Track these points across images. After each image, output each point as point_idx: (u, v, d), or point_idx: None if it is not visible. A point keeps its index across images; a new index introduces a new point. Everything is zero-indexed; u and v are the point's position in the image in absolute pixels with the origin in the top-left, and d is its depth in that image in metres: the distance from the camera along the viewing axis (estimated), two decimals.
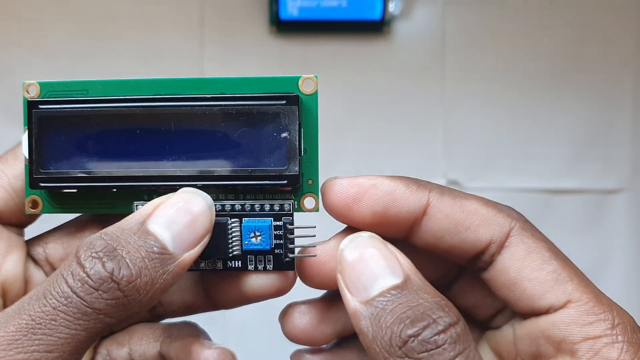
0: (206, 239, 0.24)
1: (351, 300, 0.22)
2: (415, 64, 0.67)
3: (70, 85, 0.25)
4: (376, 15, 0.66)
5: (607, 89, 0.66)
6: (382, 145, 0.68)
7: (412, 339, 0.21)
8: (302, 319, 0.27)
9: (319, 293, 0.28)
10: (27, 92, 0.25)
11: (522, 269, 0.24)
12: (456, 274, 0.28)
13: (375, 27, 0.67)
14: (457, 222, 0.24)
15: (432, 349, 0.21)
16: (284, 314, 0.28)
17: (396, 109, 0.67)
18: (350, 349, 0.29)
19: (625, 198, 0.66)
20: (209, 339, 0.28)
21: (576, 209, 0.66)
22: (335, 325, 0.28)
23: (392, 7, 0.66)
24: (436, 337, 0.21)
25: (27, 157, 0.25)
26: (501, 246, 0.24)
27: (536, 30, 0.66)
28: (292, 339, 0.28)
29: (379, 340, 0.21)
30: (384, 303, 0.22)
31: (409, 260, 0.23)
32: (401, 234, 0.25)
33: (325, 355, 0.29)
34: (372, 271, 0.22)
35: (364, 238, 0.24)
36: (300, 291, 0.27)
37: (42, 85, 0.26)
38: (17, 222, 0.27)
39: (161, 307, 0.29)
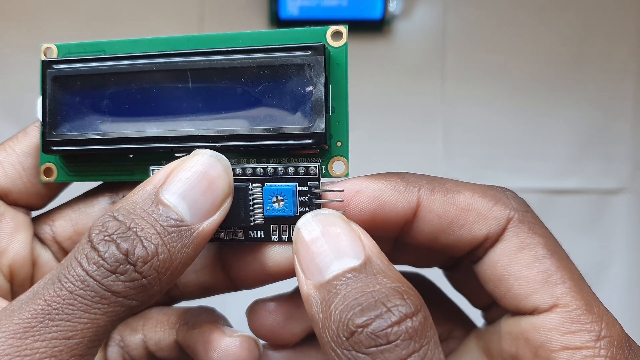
0: (226, 205, 0.22)
1: (305, 284, 0.20)
2: (416, 63, 0.66)
3: (87, 46, 0.24)
4: (376, 14, 0.66)
5: (608, 88, 0.65)
6: (382, 144, 0.67)
7: (360, 329, 0.18)
8: (269, 318, 0.26)
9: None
10: (45, 55, 0.24)
11: (510, 266, 0.22)
12: (457, 260, 0.26)
13: (376, 27, 0.67)
14: (451, 220, 0.23)
15: (381, 345, 0.18)
16: (250, 311, 0.26)
17: (396, 109, 0.67)
18: (315, 347, 0.28)
19: (626, 198, 0.66)
20: (229, 325, 0.26)
21: (577, 209, 0.66)
22: (304, 324, 0.26)
23: (392, 7, 0.65)
24: (388, 330, 0.18)
25: (42, 120, 0.24)
26: (496, 240, 0.23)
27: (537, 31, 0.66)
28: (259, 336, 0.26)
29: (327, 329, 0.19)
30: (337, 287, 0.19)
31: (373, 242, 0.21)
32: (392, 235, 0.24)
33: (288, 352, 0.27)
34: (329, 252, 0.20)
35: (324, 216, 0.22)
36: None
37: (60, 47, 0.25)
38: (25, 203, 0.25)
39: (177, 289, 0.27)
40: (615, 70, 0.65)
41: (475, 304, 0.27)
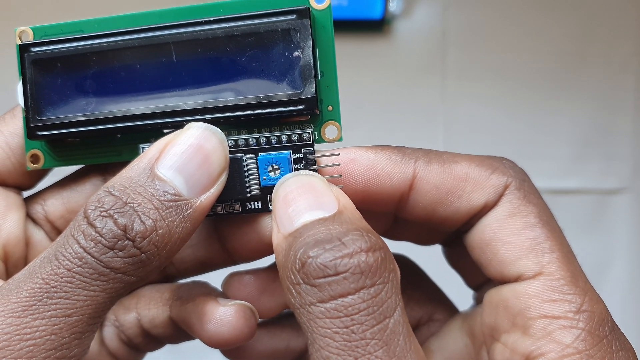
0: (223, 178, 0.22)
1: (276, 235, 0.20)
2: (416, 63, 0.66)
3: (64, 27, 0.24)
4: (377, 14, 0.65)
5: (608, 88, 0.65)
6: (382, 143, 0.66)
7: (310, 260, 0.18)
8: (244, 291, 0.25)
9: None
10: (20, 39, 0.24)
11: (499, 230, 0.22)
12: (456, 236, 0.26)
13: (376, 26, 0.66)
14: (448, 191, 0.22)
15: (329, 275, 0.17)
16: (226, 284, 0.26)
17: (397, 108, 0.66)
18: (281, 327, 0.27)
19: (627, 198, 0.65)
20: (222, 296, 0.25)
21: (577, 209, 0.65)
22: (279, 298, 0.26)
23: (392, 6, 0.65)
24: (337, 261, 0.18)
25: (23, 106, 0.23)
26: (492, 206, 0.22)
27: (537, 30, 0.65)
28: None
29: (285, 269, 0.19)
30: (302, 234, 0.19)
31: (349, 200, 0.21)
32: (388, 210, 0.23)
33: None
34: (302, 206, 0.20)
35: (303, 175, 0.21)
36: None
37: (35, 30, 0.24)
38: (15, 183, 0.25)
39: (172, 267, 0.26)
40: (616, 69, 0.64)
41: (469, 282, 0.27)
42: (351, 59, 0.65)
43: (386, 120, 0.66)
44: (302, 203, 0.20)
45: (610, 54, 0.64)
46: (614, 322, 0.21)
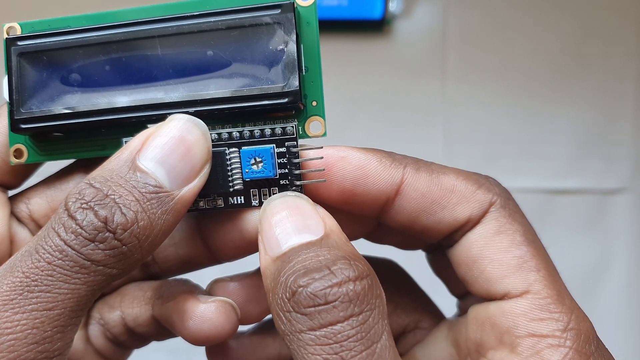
0: (205, 170, 0.22)
1: (263, 258, 0.20)
2: (416, 63, 0.66)
3: (52, 23, 0.24)
4: (377, 14, 0.65)
5: (609, 87, 0.64)
6: (382, 144, 0.65)
7: (301, 289, 0.18)
8: (229, 298, 0.25)
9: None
10: (8, 34, 0.24)
11: (485, 248, 0.22)
12: (436, 245, 0.26)
13: (376, 26, 0.66)
14: (434, 200, 0.22)
15: (319, 305, 0.18)
16: (210, 290, 0.26)
17: (396, 109, 0.66)
18: (272, 335, 0.27)
19: (627, 198, 0.64)
20: (204, 294, 0.25)
21: (577, 209, 0.64)
22: (264, 305, 0.26)
23: (392, 6, 0.65)
24: (327, 290, 0.18)
25: (8, 99, 0.23)
26: (476, 223, 0.22)
27: (537, 30, 0.65)
28: None
29: (274, 295, 0.19)
30: (290, 258, 0.19)
31: (336, 222, 0.21)
32: (372, 213, 0.23)
33: (245, 340, 0.27)
34: (290, 228, 0.20)
35: (290, 197, 0.22)
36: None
37: (23, 25, 0.24)
38: (0, 182, 0.25)
39: (155, 265, 0.26)
40: (616, 70, 0.64)
41: (453, 291, 0.27)
42: (351, 59, 0.65)
43: (386, 120, 0.66)
44: (289, 225, 0.20)
45: (610, 55, 0.64)
46: (599, 339, 0.21)
